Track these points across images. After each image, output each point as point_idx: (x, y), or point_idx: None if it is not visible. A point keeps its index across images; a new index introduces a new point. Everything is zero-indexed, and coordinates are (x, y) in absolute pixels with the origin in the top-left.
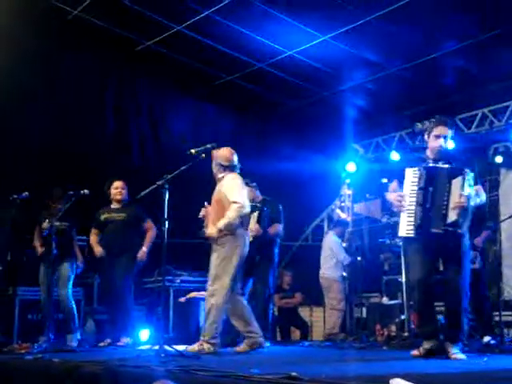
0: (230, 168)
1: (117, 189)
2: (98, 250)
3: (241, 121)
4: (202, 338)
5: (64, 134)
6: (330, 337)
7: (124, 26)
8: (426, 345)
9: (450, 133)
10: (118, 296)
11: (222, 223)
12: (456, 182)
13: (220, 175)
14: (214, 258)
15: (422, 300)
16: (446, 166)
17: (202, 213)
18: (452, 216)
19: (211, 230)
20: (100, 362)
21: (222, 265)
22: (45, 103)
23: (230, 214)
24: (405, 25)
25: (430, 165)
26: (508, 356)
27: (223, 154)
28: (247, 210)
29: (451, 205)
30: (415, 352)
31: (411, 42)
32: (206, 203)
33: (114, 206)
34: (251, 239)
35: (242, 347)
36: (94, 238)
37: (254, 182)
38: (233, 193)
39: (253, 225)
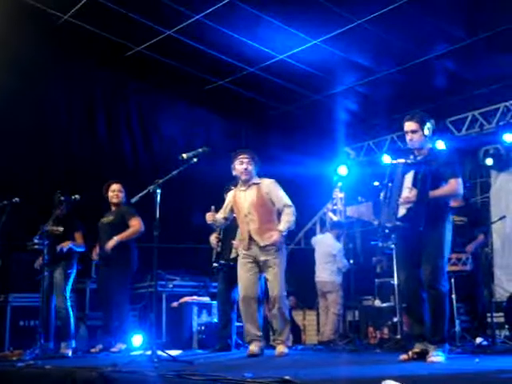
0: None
1: (114, 192)
2: (94, 255)
3: (232, 125)
4: (281, 339)
5: (54, 139)
6: (331, 343)
7: (114, 31)
8: (417, 348)
9: (414, 125)
10: (114, 302)
11: (284, 227)
12: (407, 177)
13: (255, 179)
14: (277, 265)
15: (408, 300)
16: (407, 160)
17: (210, 218)
18: (401, 211)
19: (275, 237)
20: (93, 368)
21: (283, 270)
22: (34, 108)
23: (290, 218)
24: (395, 28)
25: (393, 161)
26: (500, 357)
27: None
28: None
29: (400, 199)
30: (404, 356)
31: (401, 46)
32: (212, 207)
33: (112, 209)
34: (235, 254)
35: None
36: (97, 246)
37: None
38: (284, 197)
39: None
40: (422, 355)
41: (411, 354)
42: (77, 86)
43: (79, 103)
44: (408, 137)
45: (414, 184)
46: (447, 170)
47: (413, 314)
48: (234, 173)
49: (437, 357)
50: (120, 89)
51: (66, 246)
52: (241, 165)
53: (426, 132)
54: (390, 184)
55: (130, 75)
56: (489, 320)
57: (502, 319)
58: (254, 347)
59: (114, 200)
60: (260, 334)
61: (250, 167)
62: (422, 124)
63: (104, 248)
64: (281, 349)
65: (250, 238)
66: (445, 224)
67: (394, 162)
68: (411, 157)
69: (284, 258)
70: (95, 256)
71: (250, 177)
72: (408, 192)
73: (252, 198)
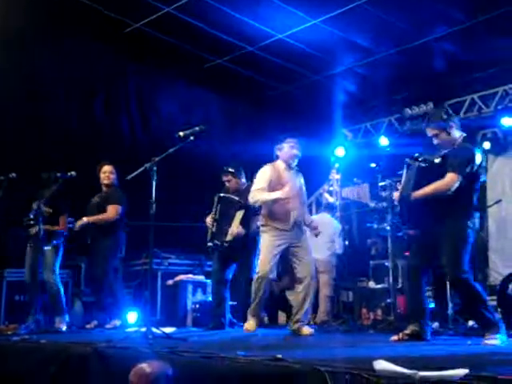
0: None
1: (105, 173)
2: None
3: (230, 104)
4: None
5: (52, 116)
6: (325, 324)
7: (112, 7)
8: (409, 329)
9: (432, 131)
10: (103, 279)
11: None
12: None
13: (294, 165)
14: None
15: (407, 281)
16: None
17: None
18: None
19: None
20: (87, 344)
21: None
22: (31, 86)
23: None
24: (395, 10)
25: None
26: None
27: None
28: (257, 199)
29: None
30: (395, 337)
31: (401, 27)
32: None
33: (104, 190)
34: (230, 238)
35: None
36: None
37: (240, 167)
38: (255, 183)
39: (236, 226)
40: (413, 337)
41: (402, 335)
42: (74, 62)
43: (77, 80)
44: (434, 142)
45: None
46: (454, 161)
47: (411, 298)
48: (280, 154)
49: (490, 340)
50: (118, 66)
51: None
52: (292, 150)
53: (452, 131)
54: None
55: (128, 52)
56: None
57: (494, 302)
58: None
59: (105, 181)
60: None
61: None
62: (441, 126)
63: (91, 229)
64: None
65: (295, 223)
66: (462, 219)
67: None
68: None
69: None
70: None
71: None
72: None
73: (300, 184)
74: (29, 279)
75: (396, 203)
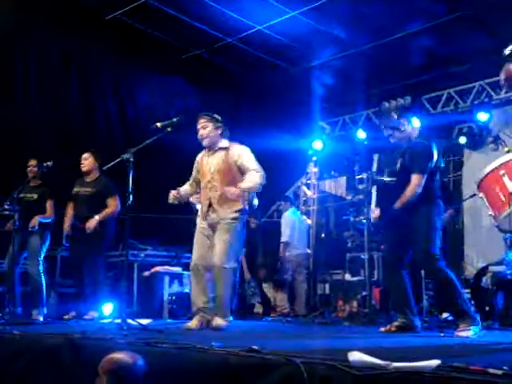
0: (228, 135)
1: (80, 161)
2: (66, 227)
3: (208, 96)
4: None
5: (27, 107)
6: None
7: None
8: (398, 321)
9: (385, 132)
10: (90, 271)
11: (246, 185)
12: (373, 191)
13: (222, 143)
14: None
15: (387, 277)
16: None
17: (172, 197)
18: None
19: (234, 191)
20: (61, 335)
21: (237, 243)
22: (4, 73)
23: (255, 179)
24: (373, 2)
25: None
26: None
27: (218, 118)
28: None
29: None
30: (382, 329)
31: (379, 20)
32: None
33: (87, 178)
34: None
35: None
36: (68, 212)
37: None
38: (255, 164)
39: None
40: (402, 328)
41: (389, 327)
42: (49, 50)
43: (52, 69)
44: (391, 140)
45: (378, 202)
46: (414, 162)
47: (394, 291)
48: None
49: (464, 332)
50: (95, 55)
51: (36, 222)
52: (199, 130)
53: (405, 127)
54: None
55: (104, 42)
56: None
57: (468, 295)
58: (194, 321)
59: (83, 169)
60: (207, 306)
61: (207, 130)
62: (393, 125)
63: (81, 220)
64: (217, 321)
65: (210, 206)
66: (426, 208)
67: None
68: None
69: (239, 230)
70: (67, 227)
71: (210, 141)
72: (372, 213)
73: (217, 163)
74: (8, 270)
75: (373, 222)
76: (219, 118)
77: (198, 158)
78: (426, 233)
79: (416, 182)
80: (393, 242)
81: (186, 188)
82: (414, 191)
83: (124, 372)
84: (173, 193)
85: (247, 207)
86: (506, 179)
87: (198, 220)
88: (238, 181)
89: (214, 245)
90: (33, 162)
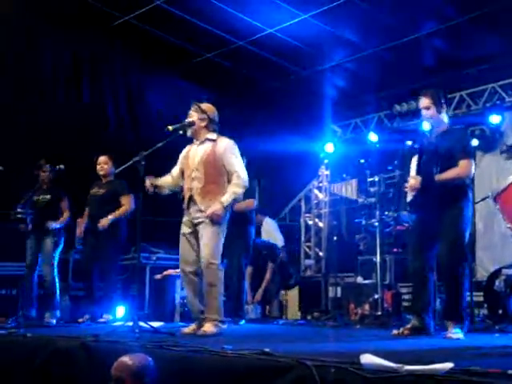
0: (216, 129)
1: (99, 164)
2: (79, 231)
3: (219, 99)
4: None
5: (38, 106)
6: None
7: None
8: (410, 323)
9: (426, 101)
10: (102, 273)
11: (227, 199)
12: (412, 162)
13: (210, 135)
14: (212, 232)
15: (414, 280)
16: (411, 142)
17: (148, 184)
18: (408, 197)
19: (217, 208)
20: (74, 337)
21: (221, 240)
22: (17, 73)
23: (237, 189)
24: (385, 5)
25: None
26: (478, 335)
27: (213, 109)
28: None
29: (406, 186)
30: (395, 331)
31: (391, 23)
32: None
33: (102, 181)
34: None
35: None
36: (83, 217)
37: None
38: (239, 164)
39: None
40: (414, 331)
41: (402, 330)
42: (62, 54)
43: (64, 72)
44: (422, 113)
45: (418, 170)
46: (459, 149)
47: (417, 293)
48: None
49: (455, 334)
50: (106, 59)
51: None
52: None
53: (440, 108)
54: (397, 171)
55: (116, 46)
56: (468, 299)
57: (481, 298)
58: (193, 326)
59: (100, 172)
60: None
61: (191, 119)
62: (435, 100)
63: (94, 222)
64: (205, 328)
65: (191, 199)
66: (462, 203)
67: (406, 144)
68: (428, 134)
69: (223, 223)
70: (80, 232)
71: (194, 131)
72: (413, 181)
73: (202, 155)
74: (26, 273)
75: (410, 190)
76: (207, 109)
77: (184, 150)
78: (455, 236)
79: (467, 167)
80: (422, 244)
81: (165, 179)
82: (464, 175)
83: (137, 375)
84: (148, 180)
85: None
86: None
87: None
88: (221, 175)
89: (197, 244)
90: (44, 165)
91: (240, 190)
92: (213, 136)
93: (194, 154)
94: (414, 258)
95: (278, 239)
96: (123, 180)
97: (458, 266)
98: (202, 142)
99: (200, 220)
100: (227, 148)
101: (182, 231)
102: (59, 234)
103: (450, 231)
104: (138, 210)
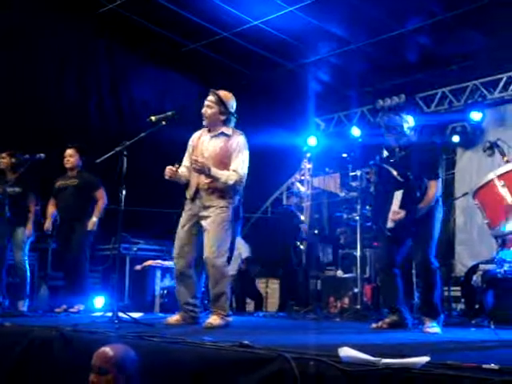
0: (233, 121)
1: (65, 157)
2: (46, 225)
3: (204, 90)
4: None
5: (22, 97)
6: None
7: None
8: (389, 318)
9: (398, 119)
10: (74, 263)
11: (219, 173)
12: (397, 195)
13: (226, 129)
14: (218, 228)
15: (384, 277)
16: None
17: (169, 173)
18: (390, 224)
19: (205, 167)
20: (53, 327)
21: (228, 237)
22: (1, 65)
23: (229, 178)
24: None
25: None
26: (454, 329)
27: (232, 98)
28: (243, 184)
29: (390, 214)
30: (374, 325)
31: (376, 18)
32: (176, 165)
33: (69, 173)
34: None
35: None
36: (49, 209)
37: None
38: (241, 163)
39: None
40: (393, 326)
41: (381, 324)
42: (45, 42)
43: (48, 60)
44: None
45: (402, 205)
46: (427, 169)
47: (387, 289)
48: None
49: (432, 328)
50: (92, 48)
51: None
52: (204, 106)
53: (406, 126)
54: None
55: (101, 34)
56: (446, 294)
57: (459, 293)
58: (177, 316)
59: (67, 165)
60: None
61: (210, 111)
62: (401, 119)
63: (66, 213)
64: (212, 320)
65: (197, 192)
66: (434, 214)
67: (384, 167)
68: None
69: (228, 218)
70: (48, 226)
71: (211, 122)
72: (397, 214)
73: (216, 148)
74: None
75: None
76: (226, 99)
77: (194, 136)
78: (429, 239)
79: (434, 188)
80: (392, 243)
81: (183, 170)
82: (433, 197)
83: (119, 366)
84: (170, 167)
85: (238, 197)
86: (504, 190)
87: (185, 207)
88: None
89: (197, 238)
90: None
91: (229, 180)
92: (228, 131)
93: (205, 146)
94: (381, 255)
95: (243, 250)
96: (91, 173)
97: (430, 261)
98: (217, 136)
99: (205, 214)
100: (238, 146)
101: (181, 223)
102: (32, 223)
103: (421, 229)
104: (119, 200)
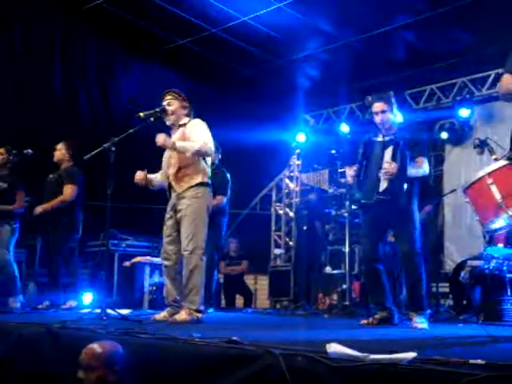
0: (189, 114)
1: (54, 151)
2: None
3: (192, 86)
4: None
5: (9, 93)
6: None
7: None
8: (378, 315)
9: (386, 106)
10: (58, 259)
11: (184, 143)
12: (388, 152)
13: (182, 120)
14: (192, 220)
15: (367, 273)
16: (384, 138)
17: (139, 177)
18: (383, 184)
19: (167, 140)
20: (40, 324)
21: (203, 229)
22: None
23: (193, 145)
24: None
25: (373, 138)
26: (442, 325)
27: (185, 97)
28: (211, 153)
29: (381, 172)
30: (364, 321)
31: (364, 14)
32: (145, 170)
33: (59, 168)
34: None
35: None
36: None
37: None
38: (206, 135)
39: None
40: (383, 321)
41: (371, 320)
42: (32, 38)
43: (34, 57)
44: (377, 118)
45: (394, 159)
46: (415, 148)
47: (373, 285)
48: None
49: (420, 323)
50: (78, 44)
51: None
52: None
53: (395, 111)
54: (364, 162)
55: (88, 30)
56: (434, 290)
57: (447, 289)
58: (164, 313)
59: (54, 159)
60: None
61: (172, 108)
62: (390, 104)
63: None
64: (178, 315)
65: (170, 185)
66: (413, 198)
67: (373, 138)
68: (380, 136)
69: (200, 209)
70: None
71: (175, 119)
72: (388, 165)
73: (175, 140)
74: None
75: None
76: (186, 97)
77: None
78: (413, 230)
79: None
80: (374, 238)
81: (157, 176)
82: (422, 171)
83: (108, 363)
84: (139, 172)
85: (207, 180)
86: (493, 188)
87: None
88: (194, 157)
89: (178, 231)
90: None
91: (197, 145)
92: (185, 121)
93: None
94: (365, 252)
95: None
96: (77, 169)
97: (414, 257)
98: (177, 128)
99: (179, 207)
100: (193, 125)
101: (165, 220)
102: (15, 220)
103: (404, 224)
104: (108, 196)
